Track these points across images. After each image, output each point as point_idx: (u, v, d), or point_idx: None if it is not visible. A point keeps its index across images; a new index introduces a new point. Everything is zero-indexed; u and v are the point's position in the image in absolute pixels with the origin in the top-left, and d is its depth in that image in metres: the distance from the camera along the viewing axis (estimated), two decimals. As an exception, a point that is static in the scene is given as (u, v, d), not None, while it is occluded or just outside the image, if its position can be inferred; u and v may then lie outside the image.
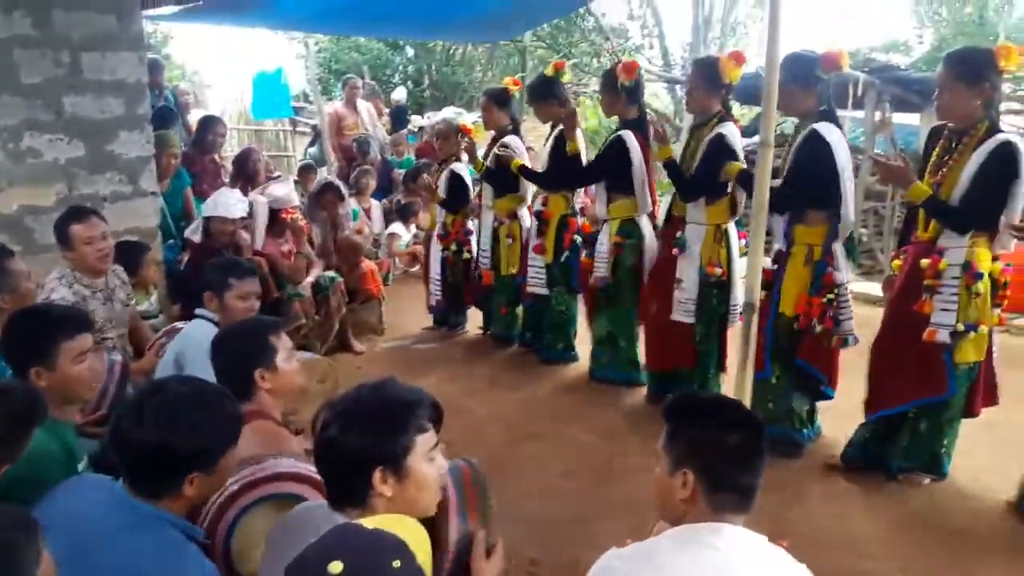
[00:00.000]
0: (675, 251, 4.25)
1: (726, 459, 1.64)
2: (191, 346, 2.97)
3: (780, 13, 2.37)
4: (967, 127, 3.28)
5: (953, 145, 3.32)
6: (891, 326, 3.56)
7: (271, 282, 4.96)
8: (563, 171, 4.87)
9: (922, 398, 3.44)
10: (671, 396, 1.85)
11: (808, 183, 3.63)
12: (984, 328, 3.28)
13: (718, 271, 4.18)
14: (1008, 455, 3.64)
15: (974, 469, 3.66)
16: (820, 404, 4.02)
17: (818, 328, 3.60)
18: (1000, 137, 3.18)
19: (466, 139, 5.50)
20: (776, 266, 3.78)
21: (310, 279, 5.23)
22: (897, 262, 3.64)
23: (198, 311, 3.25)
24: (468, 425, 4.21)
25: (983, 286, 3.24)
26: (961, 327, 3.24)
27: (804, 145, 3.63)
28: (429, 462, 1.64)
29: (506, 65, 17.26)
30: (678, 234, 4.26)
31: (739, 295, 4.13)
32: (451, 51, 17.14)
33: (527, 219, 5.32)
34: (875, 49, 13.81)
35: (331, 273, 5.40)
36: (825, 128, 3.56)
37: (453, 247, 5.62)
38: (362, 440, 1.58)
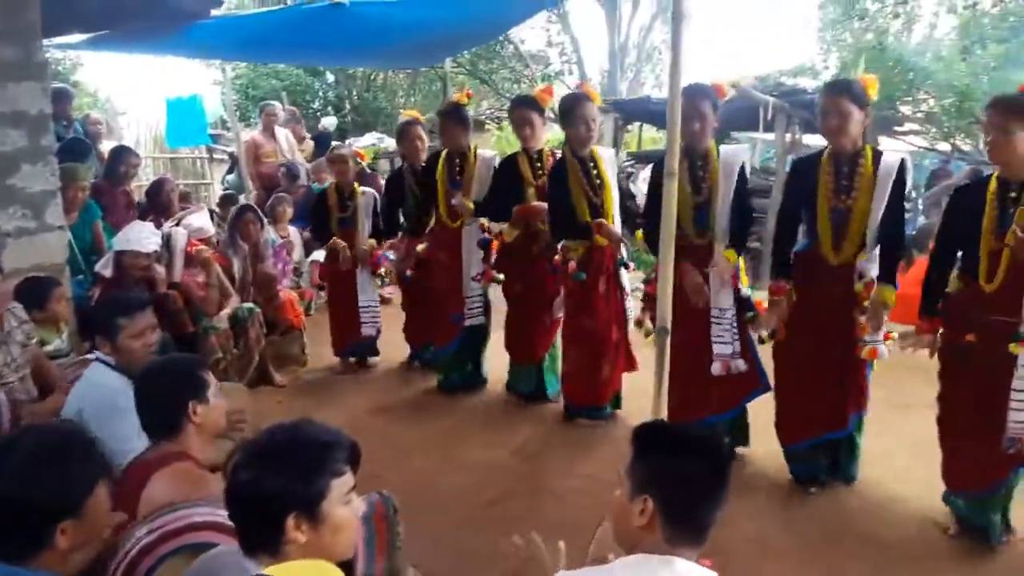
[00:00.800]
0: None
1: (688, 491, 1.62)
2: (90, 402, 2.82)
3: (682, 44, 2.45)
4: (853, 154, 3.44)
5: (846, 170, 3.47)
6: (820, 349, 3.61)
7: (186, 316, 4.84)
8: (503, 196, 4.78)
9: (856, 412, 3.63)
10: (643, 423, 1.84)
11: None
12: None
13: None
14: (918, 464, 3.76)
15: (885, 480, 3.82)
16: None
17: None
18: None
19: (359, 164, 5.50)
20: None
21: (227, 311, 5.10)
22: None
23: (96, 354, 3.06)
24: (395, 455, 4.15)
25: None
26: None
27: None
28: (345, 506, 1.60)
29: (428, 91, 17.32)
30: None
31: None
32: (372, 77, 17.09)
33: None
34: (784, 73, 14.30)
35: (249, 304, 5.27)
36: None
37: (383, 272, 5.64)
38: (275, 485, 1.54)
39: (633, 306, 4.43)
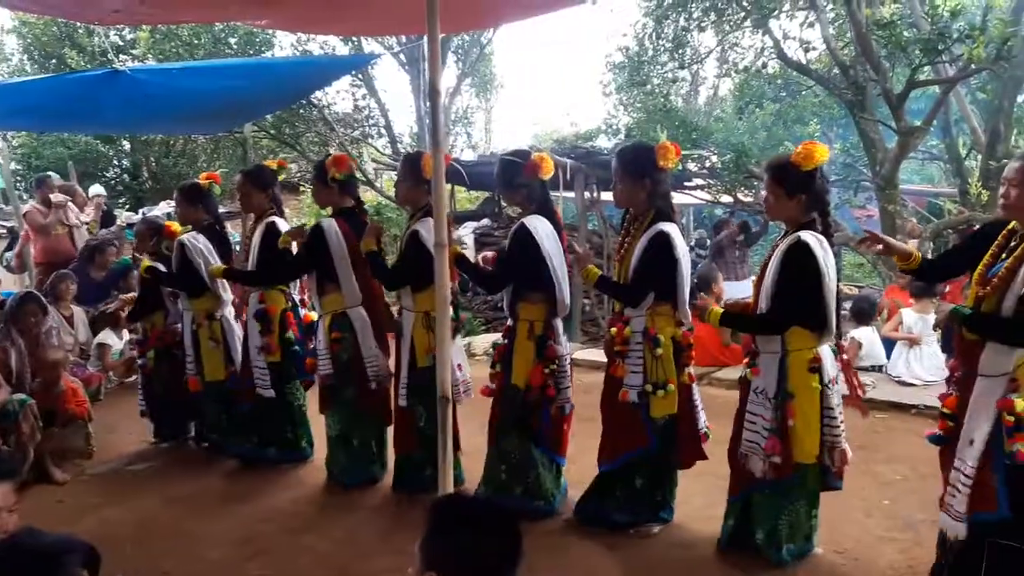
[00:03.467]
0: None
1: (477, 567, 1.60)
2: None
3: (440, 118, 2.51)
4: (638, 214, 3.72)
5: (630, 229, 3.75)
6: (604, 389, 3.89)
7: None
8: (273, 265, 4.73)
9: (626, 453, 3.75)
10: (437, 497, 1.81)
11: (516, 270, 3.94)
12: (672, 386, 3.62)
13: (429, 358, 4.13)
14: (720, 501, 3.90)
15: (690, 517, 4.00)
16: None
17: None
18: (657, 226, 3.59)
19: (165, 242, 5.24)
20: (506, 340, 4.01)
21: (-6, 406, 4.60)
22: (614, 329, 3.87)
23: None
24: (187, 550, 3.85)
25: (663, 349, 3.60)
26: (649, 387, 3.60)
27: (513, 237, 3.90)
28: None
29: (232, 155, 16.83)
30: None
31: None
32: (171, 143, 16.42)
33: (231, 319, 5.16)
34: (581, 136, 15.11)
35: (21, 396, 4.77)
36: (532, 221, 3.85)
37: (151, 354, 5.37)
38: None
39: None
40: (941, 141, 11.64)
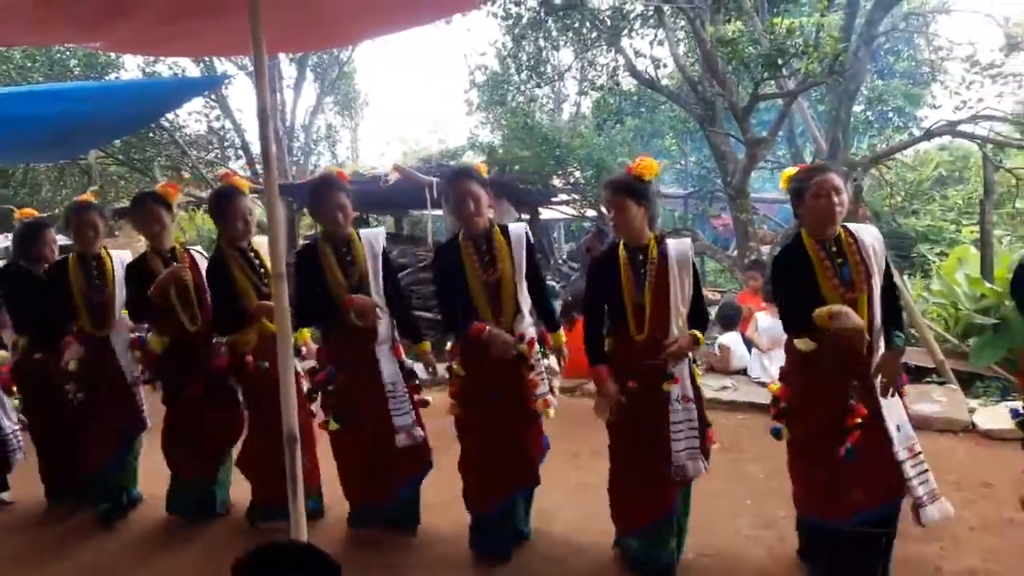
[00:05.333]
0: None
1: None
2: None
3: (271, 141, 2.39)
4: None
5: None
6: None
7: None
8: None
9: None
10: (262, 545, 1.70)
11: None
12: None
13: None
14: (593, 513, 3.90)
15: (566, 532, 3.98)
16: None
17: None
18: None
19: None
20: None
21: None
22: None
23: None
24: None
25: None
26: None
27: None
28: None
29: (78, 183, 15.84)
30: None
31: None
32: (10, 171, 15.29)
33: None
34: (445, 154, 15.08)
35: None
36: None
37: None
38: None
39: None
40: (788, 151, 12.32)
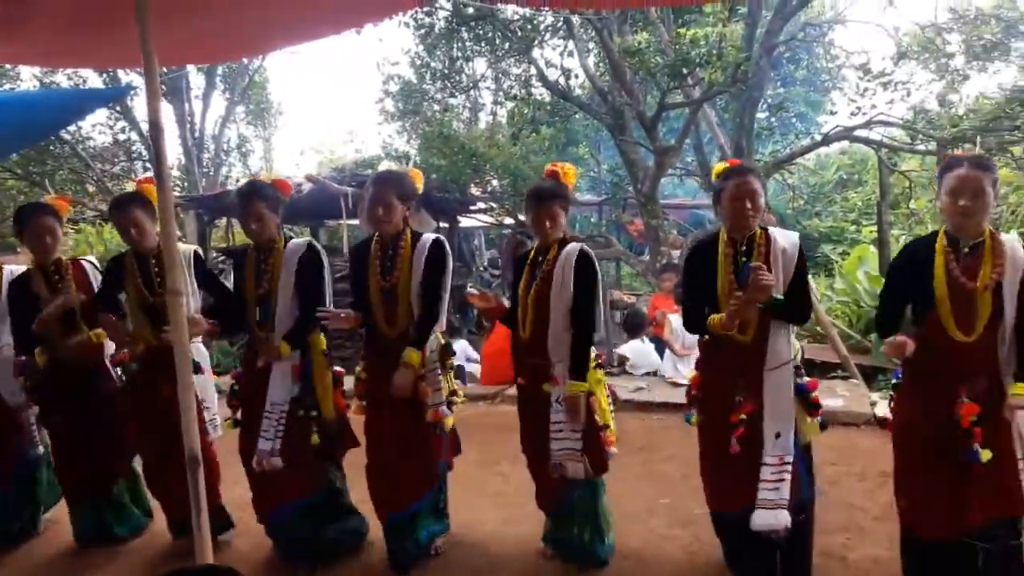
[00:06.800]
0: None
1: None
2: None
3: (165, 154, 2.37)
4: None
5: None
6: None
7: None
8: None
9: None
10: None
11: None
12: None
13: None
14: (516, 517, 3.98)
15: (485, 542, 3.96)
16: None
17: None
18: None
19: None
20: None
21: None
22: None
23: None
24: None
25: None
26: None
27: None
28: None
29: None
30: None
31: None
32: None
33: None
34: (360, 164, 14.93)
35: None
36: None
37: None
38: None
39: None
40: (695, 158, 12.67)
